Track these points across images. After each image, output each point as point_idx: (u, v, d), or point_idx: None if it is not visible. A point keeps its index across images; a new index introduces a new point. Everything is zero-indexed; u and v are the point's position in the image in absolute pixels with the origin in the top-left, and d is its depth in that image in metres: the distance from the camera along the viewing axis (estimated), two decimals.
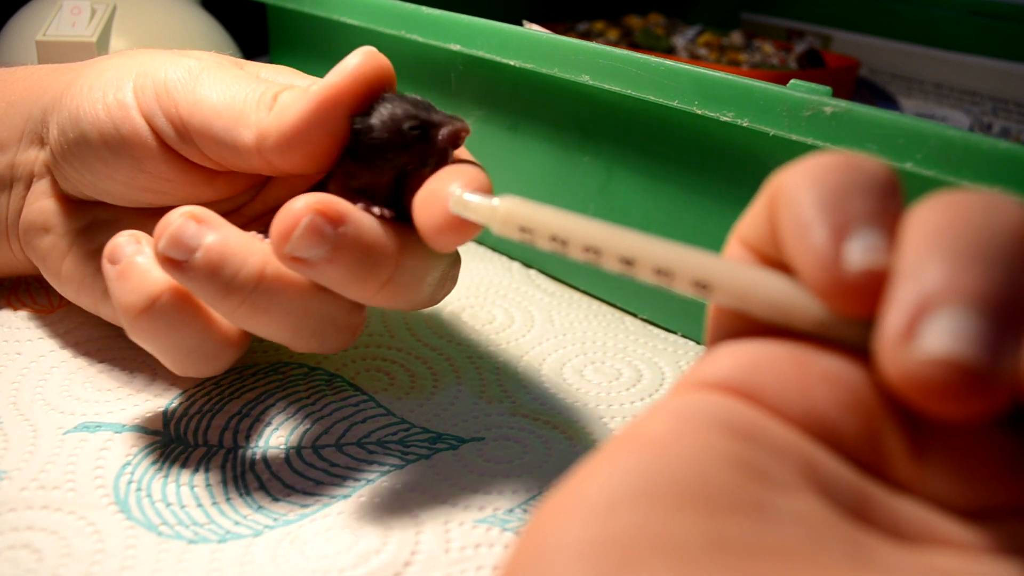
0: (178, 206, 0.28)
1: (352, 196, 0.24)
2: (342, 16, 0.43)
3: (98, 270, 0.29)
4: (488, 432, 0.28)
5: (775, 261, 0.15)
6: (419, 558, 0.23)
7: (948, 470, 0.13)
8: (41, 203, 0.29)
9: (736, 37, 0.64)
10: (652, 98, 0.31)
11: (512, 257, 0.42)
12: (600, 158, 0.37)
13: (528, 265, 0.41)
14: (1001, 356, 0.12)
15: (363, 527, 0.24)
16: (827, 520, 0.13)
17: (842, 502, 0.13)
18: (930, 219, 0.13)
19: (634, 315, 0.37)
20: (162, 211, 0.29)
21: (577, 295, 0.39)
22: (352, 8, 0.42)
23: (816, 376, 0.14)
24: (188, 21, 0.50)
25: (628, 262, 0.17)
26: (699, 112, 0.30)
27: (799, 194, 0.14)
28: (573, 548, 0.12)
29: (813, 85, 0.28)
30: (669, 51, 0.59)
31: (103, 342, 0.32)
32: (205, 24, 0.51)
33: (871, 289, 0.13)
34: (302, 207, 0.22)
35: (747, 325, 0.16)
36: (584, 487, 0.13)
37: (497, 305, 0.37)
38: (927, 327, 0.12)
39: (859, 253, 0.13)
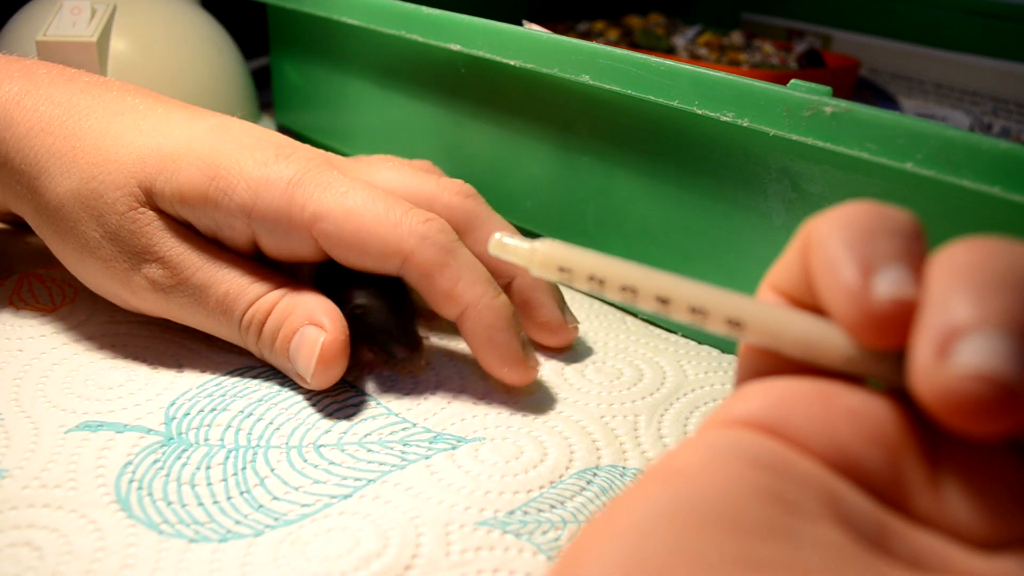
0: None
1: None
2: (342, 16, 0.43)
3: None
4: (488, 432, 0.28)
5: (806, 306, 0.16)
6: (419, 561, 0.23)
7: (967, 503, 0.14)
8: None
9: (736, 37, 0.64)
10: (652, 98, 0.31)
11: None
12: (600, 158, 0.37)
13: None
14: None
15: (364, 528, 0.24)
16: (848, 548, 0.13)
17: (863, 533, 0.14)
18: (954, 258, 0.14)
19: (635, 315, 0.37)
20: None
21: (578, 295, 0.39)
22: (352, 8, 0.42)
23: (841, 412, 0.15)
24: (188, 21, 0.50)
25: (664, 301, 0.17)
26: (699, 112, 0.30)
27: (829, 238, 0.15)
28: (609, 568, 0.12)
29: (813, 85, 0.28)
30: (669, 51, 0.59)
31: (105, 340, 0.32)
32: (205, 24, 0.51)
33: (899, 320, 0.14)
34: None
35: (776, 363, 0.17)
36: (618, 514, 0.13)
37: None
38: (960, 347, 0.13)
39: (886, 285, 0.14)
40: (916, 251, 0.15)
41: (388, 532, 0.24)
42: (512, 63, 0.35)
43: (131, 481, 0.25)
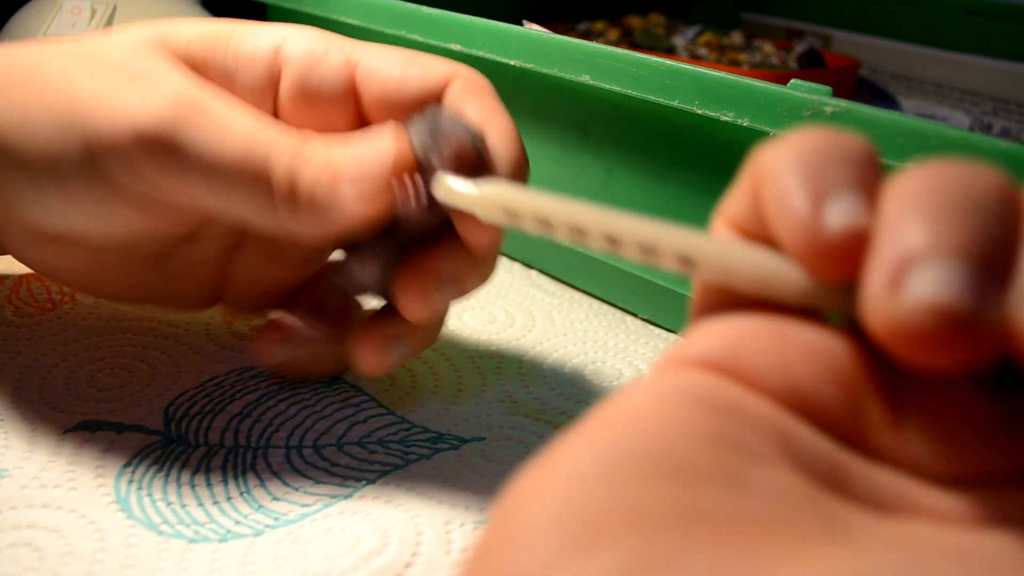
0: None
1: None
2: (342, 16, 0.43)
3: (134, 285, 0.29)
4: (489, 432, 0.28)
5: (759, 238, 0.16)
6: (420, 560, 0.23)
7: (928, 437, 0.13)
8: (29, 246, 0.28)
9: (736, 37, 0.64)
10: (652, 98, 0.31)
11: (513, 258, 0.42)
12: (600, 158, 0.37)
13: (529, 266, 0.41)
14: (985, 303, 0.12)
15: (364, 528, 0.24)
16: (802, 491, 0.13)
17: (819, 474, 0.13)
18: (909, 182, 0.13)
19: (635, 315, 0.37)
20: None
21: (578, 295, 0.39)
22: (352, 8, 0.42)
23: (797, 349, 0.14)
24: None
25: (613, 241, 0.17)
26: (699, 112, 0.30)
27: (780, 167, 0.14)
28: (547, 521, 0.12)
29: (813, 85, 0.28)
30: (669, 51, 0.59)
31: (105, 340, 0.32)
32: None
33: (851, 250, 0.13)
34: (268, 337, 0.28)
35: (731, 300, 0.16)
36: (559, 463, 0.13)
37: (498, 306, 0.37)
38: (912, 277, 0.12)
39: (838, 214, 0.13)
40: (870, 178, 0.14)
41: (388, 531, 0.23)
42: (512, 63, 0.35)
43: (131, 481, 0.25)
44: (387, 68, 0.25)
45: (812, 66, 0.59)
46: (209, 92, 0.24)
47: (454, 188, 0.21)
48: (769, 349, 0.14)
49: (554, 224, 0.18)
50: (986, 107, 0.59)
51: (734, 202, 0.16)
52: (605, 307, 0.38)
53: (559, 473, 0.13)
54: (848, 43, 0.66)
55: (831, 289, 0.14)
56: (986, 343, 0.12)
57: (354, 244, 0.26)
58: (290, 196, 0.23)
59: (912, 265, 0.12)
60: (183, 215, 0.26)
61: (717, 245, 0.16)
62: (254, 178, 0.23)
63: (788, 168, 0.14)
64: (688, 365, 0.14)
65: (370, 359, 0.27)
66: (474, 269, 0.26)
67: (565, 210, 0.17)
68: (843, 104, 0.26)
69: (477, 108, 0.25)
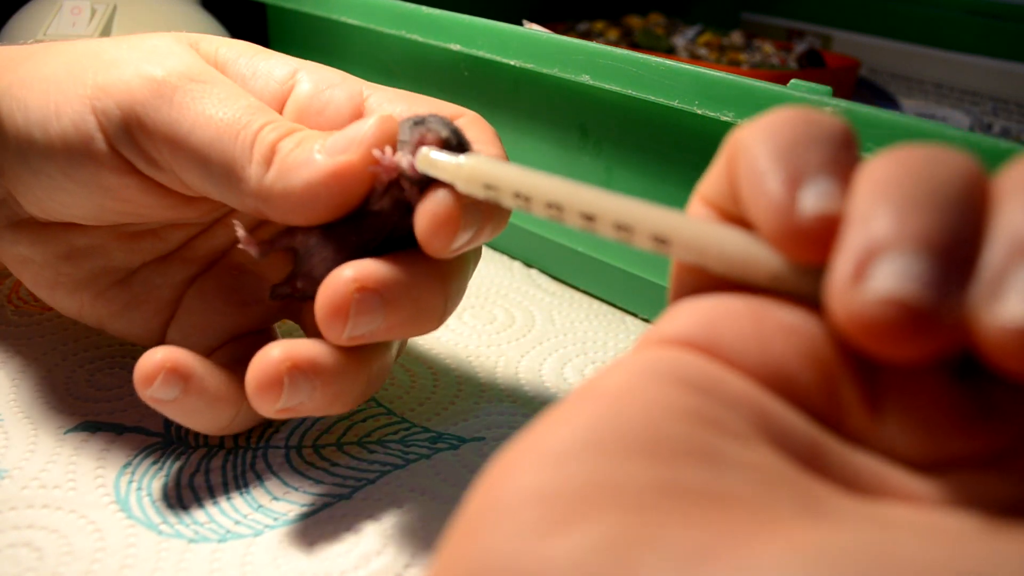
0: (155, 223, 0.28)
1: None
2: (342, 16, 0.43)
3: (95, 297, 0.28)
4: (489, 432, 0.28)
5: (736, 218, 0.16)
6: (420, 560, 0.23)
7: (903, 422, 0.14)
8: (7, 234, 0.28)
9: (736, 37, 0.64)
10: (652, 98, 0.31)
11: (513, 257, 0.42)
12: (600, 158, 0.37)
13: (529, 265, 0.41)
14: (946, 296, 0.12)
15: (364, 528, 0.24)
16: (779, 470, 0.13)
17: (796, 453, 0.13)
18: (880, 169, 0.13)
19: (634, 315, 0.37)
20: (139, 230, 0.28)
21: (578, 295, 0.39)
22: (352, 8, 0.42)
23: (773, 328, 0.14)
24: (188, 21, 0.50)
25: (589, 218, 0.17)
26: (699, 112, 0.30)
27: (755, 147, 0.14)
28: (528, 496, 0.12)
29: (813, 85, 0.28)
30: (669, 51, 0.59)
31: (105, 340, 0.32)
32: (205, 24, 0.51)
33: (824, 235, 0.13)
34: (158, 362, 0.23)
35: (708, 281, 0.16)
36: (540, 439, 0.13)
37: (498, 305, 0.37)
38: (875, 269, 0.12)
39: (813, 199, 0.13)
40: (845, 160, 0.14)
41: (388, 530, 0.23)
42: (512, 63, 0.35)
43: (130, 482, 0.25)
44: (394, 106, 0.25)
45: (812, 66, 0.59)
46: (220, 74, 0.25)
47: (434, 159, 0.20)
48: (746, 328, 0.14)
49: (532, 199, 0.18)
50: (986, 107, 0.59)
51: (711, 181, 0.16)
52: (605, 307, 0.38)
53: (540, 449, 0.13)
54: (848, 43, 0.66)
55: (804, 272, 0.14)
56: (946, 337, 0.12)
57: (316, 230, 0.23)
58: (268, 157, 0.23)
59: (875, 257, 0.12)
60: (165, 199, 0.26)
61: (692, 225, 0.16)
62: (241, 140, 0.23)
63: (763, 149, 0.14)
64: (667, 344, 0.15)
65: (264, 392, 0.22)
66: (414, 299, 0.22)
67: (543, 185, 0.18)
68: (843, 104, 0.26)
69: (477, 138, 0.24)
